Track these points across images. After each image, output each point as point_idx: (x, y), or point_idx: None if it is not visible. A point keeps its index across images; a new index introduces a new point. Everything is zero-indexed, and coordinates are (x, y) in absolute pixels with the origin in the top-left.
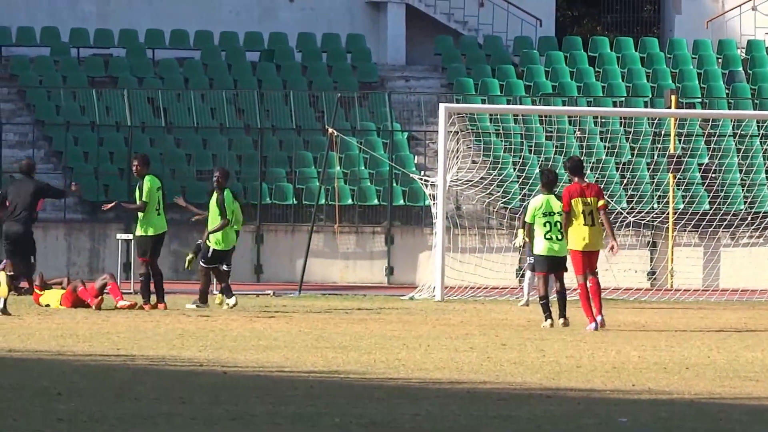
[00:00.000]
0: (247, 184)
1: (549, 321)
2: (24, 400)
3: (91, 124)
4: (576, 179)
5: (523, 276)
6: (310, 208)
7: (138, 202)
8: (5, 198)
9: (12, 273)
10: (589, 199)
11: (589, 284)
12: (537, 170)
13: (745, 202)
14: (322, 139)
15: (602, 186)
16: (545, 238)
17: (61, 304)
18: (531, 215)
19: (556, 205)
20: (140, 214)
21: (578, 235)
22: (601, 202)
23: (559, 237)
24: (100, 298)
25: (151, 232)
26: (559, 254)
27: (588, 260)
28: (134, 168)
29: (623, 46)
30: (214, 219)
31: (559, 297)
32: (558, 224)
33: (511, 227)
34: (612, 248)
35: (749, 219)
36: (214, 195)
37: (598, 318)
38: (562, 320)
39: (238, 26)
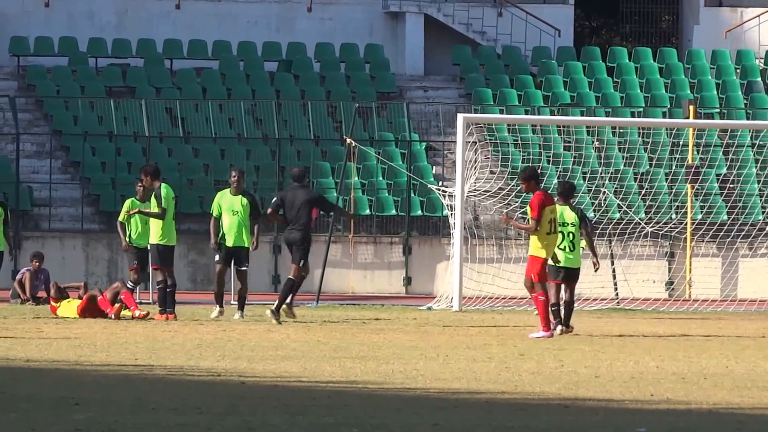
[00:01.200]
0: (265, 195)
1: (561, 327)
2: (41, 410)
3: (109, 134)
4: (538, 189)
5: None
6: (327, 219)
7: (156, 209)
8: (280, 205)
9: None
10: (552, 207)
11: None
12: (556, 180)
13: (763, 212)
14: (340, 150)
15: (620, 196)
16: (559, 248)
17: (78, 315)
18: None
19: (570, 217)
20: (159, 223)
21: (544, 243)
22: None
23: (572, 248)
24: (118, 305)
25: (171, 242)
26: (573, 265)
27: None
28: (144, 181)
29: (642, 56)
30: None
31: (566, 306)
32: (571, 234)
33: (528, 238)
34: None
35: (767, 229)
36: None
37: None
38: (564, 328)
39: (256, 36)
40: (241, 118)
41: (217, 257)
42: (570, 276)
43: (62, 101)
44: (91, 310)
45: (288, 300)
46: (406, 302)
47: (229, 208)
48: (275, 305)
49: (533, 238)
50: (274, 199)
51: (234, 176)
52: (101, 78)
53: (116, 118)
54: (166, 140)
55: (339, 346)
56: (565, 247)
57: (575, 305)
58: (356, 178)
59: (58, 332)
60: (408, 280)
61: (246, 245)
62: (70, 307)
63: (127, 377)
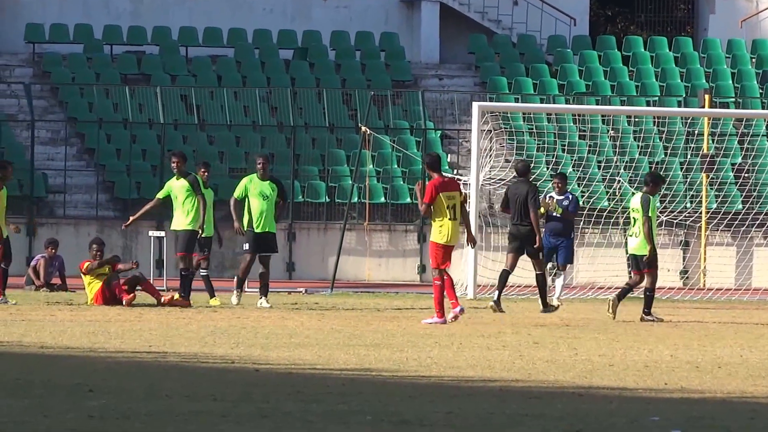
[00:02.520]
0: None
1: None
2: (55, 396)
3: (124, 121)
4: (436, 174)
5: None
6: (342, 206)
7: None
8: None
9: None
10: (452, 194)
11: (445, 277)
12: (570, 169)
13: None
14: (355, 137)
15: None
16: (628, 235)
17: (94, 302)
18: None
19: (635, 203)
20: (192, 210)
21: (442, 229)
22: (461, 197)
23: (638, 234)
24: (132, 295)
25: (195, 227)
26: (636, 252)
27: (447, 254)
28: (175, 165)
29: (657, 45)
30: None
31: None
32: (633, 221)
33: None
34: (472, 243)
35: None
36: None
37: (457, 308)
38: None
39: (271, 24)
40: (256, 106)
41: (246, 246)
42: (636, 262)
43: (77, 88)
44: (106, 298)
45: (541, 295)
46: (421, 290)
47: (259, 192)
48: (541, 302)
49: (432, 224)
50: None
51: (260, 162)
52: (116, 65)
53: (131, 105)
54: (181, 127)
55: (353, 334)
56: (632, 234)
57: (594, 293)
58: (371, 166)
59: (72, 319)
60: (422, 268)
61: (274, 230)
62: (92, 289)
63: (141, 364)
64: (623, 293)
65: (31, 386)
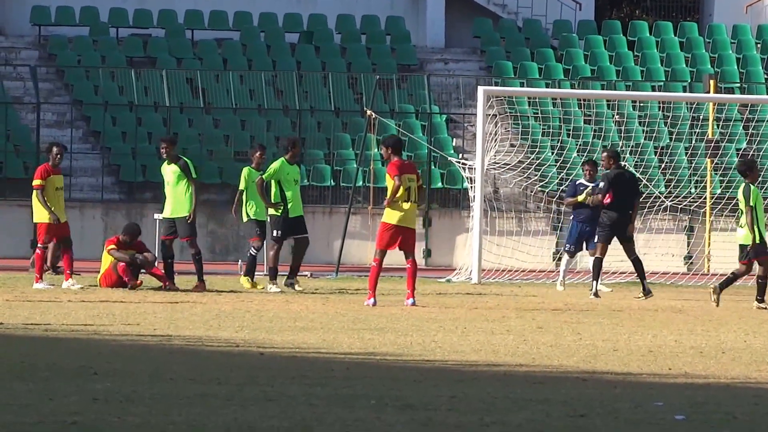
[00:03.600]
0: None
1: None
2: (60, 379)
3: (130, 104)
4: (396, 157)
5: (560, 259)
6: (347, 190)
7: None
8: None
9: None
10: (411, 176)
11: (407, 265)
12: (575, 154)
13: None
14: (360, 121)
15: (640, 170)
16: (738, 226)
17: (101, 282)
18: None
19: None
20: (187, 193)
21: (398, 210)
22: (418, 182)
23: (743, 225)
24: (139, 281)
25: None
26: (743, 242)
27: (402, 237)
28: (164, 150)
29: (662, 30)
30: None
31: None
32: (741, 212)
33: (548, 210)
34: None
35: None
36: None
37: (410, 300)
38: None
39: (277, 8)
40: (261, 90)
41: (276, 232)
42: (741, 251)
43: (83, 71)
44: (112, 281)
45: (640, 278)
46: (426, 274)
47: (291, 177)
48: (643, 285)
49: (387, 206)
50: (602, 183)
51: (294, 146)
52: (122, 48)
53: (137, 88)
54: (187, 111)
55: (358, 318)
56: (740, 224)
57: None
58: (376, 150)
59: (76, 302)
60: (428, 253)
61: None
62: (104, 262)
63: (146, 347)
64: (727, 282)
65: (36, 369)
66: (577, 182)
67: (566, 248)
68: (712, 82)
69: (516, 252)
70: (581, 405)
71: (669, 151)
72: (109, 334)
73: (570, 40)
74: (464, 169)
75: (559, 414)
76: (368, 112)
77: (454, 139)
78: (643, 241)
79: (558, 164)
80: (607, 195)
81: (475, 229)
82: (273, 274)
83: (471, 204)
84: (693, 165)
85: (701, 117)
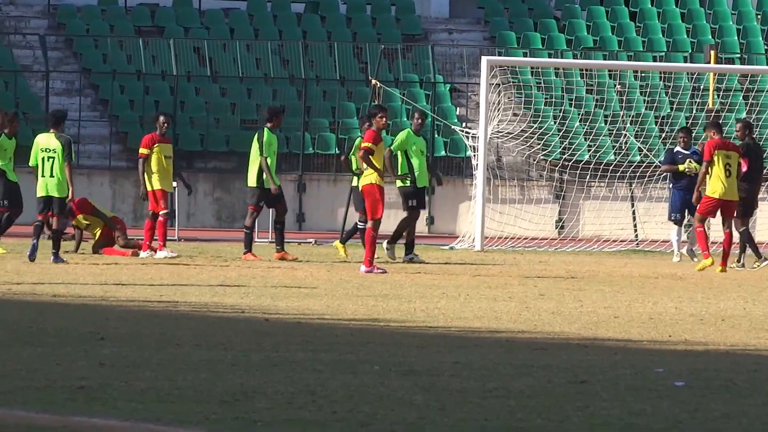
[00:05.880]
0: (291, 134)
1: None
2: (67, 345)
3: (138, 73)
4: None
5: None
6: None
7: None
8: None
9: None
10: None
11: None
12: (577, 123)
13: None
14: (365, 90)
15: (641, 139)
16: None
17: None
18: None
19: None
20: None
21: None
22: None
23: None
24: (133, 251)
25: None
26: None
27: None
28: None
29: (664, 1)
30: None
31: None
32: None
33: (551, 179)
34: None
35: None
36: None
37: (362, 268)
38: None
39: None
40: (268, 59)
41: (411, 202)
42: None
43: (92, 40)
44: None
45: (752, 248)
46: (429, 242)
47: (418, 148)
48: (755, 255)
49: (367, 171)
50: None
51: (418, 117)
52: (130, 17)
53: (145, 57)
54: (194, 79)
55: (362, 285)
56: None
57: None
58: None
59: (84, 268)
60: (431, 220)
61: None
62: (93, 229)
63: (153, 313)
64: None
65: (44, 334)
66: (675, 150)
67: (672, 218)
68: (712, 52)
69: (519, 220)
70: (582, 371)
71: (670, 120)
72: (116, 300)
73: (572, 11)
74: (467, 137)
75: (561, 380)
76: (373, 81)
77: (458, 108)
78: (644, 209)
79: (560, 133)
80: (743, 163)
81: (477, 197)
82: (394, 240)
83: (474, 172)
84: (693, 134)
85: (702, 87)
